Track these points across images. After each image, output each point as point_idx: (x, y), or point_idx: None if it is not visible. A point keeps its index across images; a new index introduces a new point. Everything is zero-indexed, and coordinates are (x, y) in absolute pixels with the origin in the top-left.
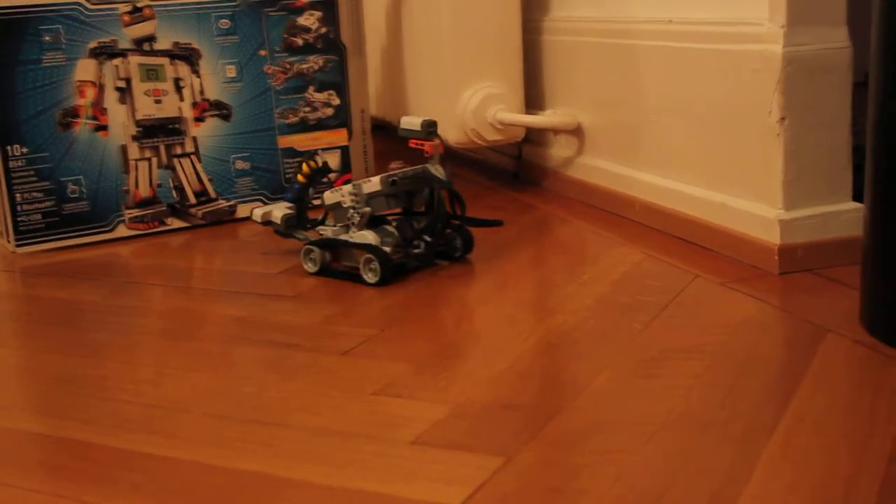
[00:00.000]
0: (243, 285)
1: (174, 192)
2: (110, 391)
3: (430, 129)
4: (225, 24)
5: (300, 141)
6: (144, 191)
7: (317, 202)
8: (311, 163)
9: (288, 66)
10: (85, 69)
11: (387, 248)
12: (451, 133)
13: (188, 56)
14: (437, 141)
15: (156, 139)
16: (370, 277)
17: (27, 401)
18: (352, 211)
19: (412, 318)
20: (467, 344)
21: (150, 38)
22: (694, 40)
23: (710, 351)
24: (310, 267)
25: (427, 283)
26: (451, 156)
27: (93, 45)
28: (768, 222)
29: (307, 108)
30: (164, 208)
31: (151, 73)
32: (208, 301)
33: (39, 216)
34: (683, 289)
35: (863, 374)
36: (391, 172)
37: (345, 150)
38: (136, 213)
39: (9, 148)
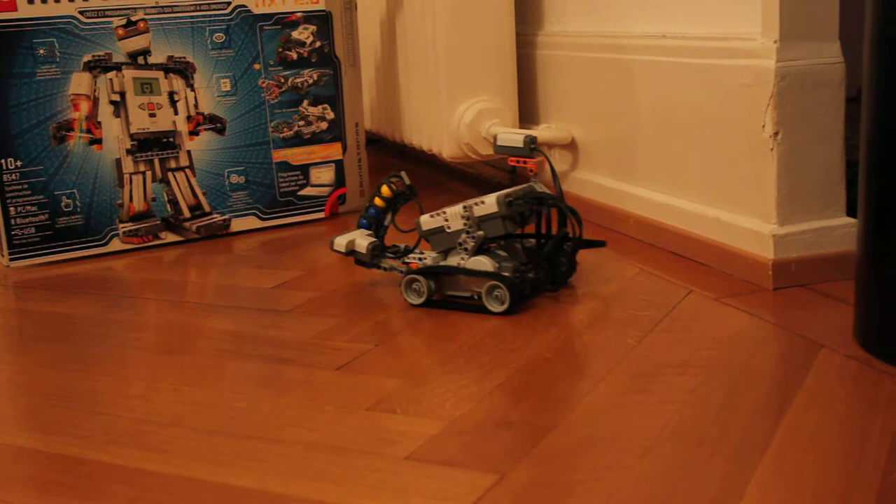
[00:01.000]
0: (237, 300)
1: (168, 206)
2: (103, 406)
3: (532, 145)
4: (219, 37)
5: (295, 155)
6: (139, 204)
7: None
8: (393, 185)
9: (282, 80)
10: (79, 82)
11: (506, 274)
12: (445, 147)
13: (183, 69)
14: (540, 157)
15: (150, 153)
16: (495, 306)
17: (19, 415)
18: (465, 235)
19: (406, 333)
20: (462, 359)
21: (145, 52)
22: (688, 55)
23: (703, 366)
24: (413, 299)
25: None
26: (444, 169)
27: (87, 58)
28: (762, 237)
29: (302, 122)
30: (159, 222)
31: (146, 87)
32: (202, 315)
33: (33, 230)
34: (677, 304)
35: (856, 390)
36: (504, 192)
37: (339, 164)
38: (130, 226)
39: (2, 161)
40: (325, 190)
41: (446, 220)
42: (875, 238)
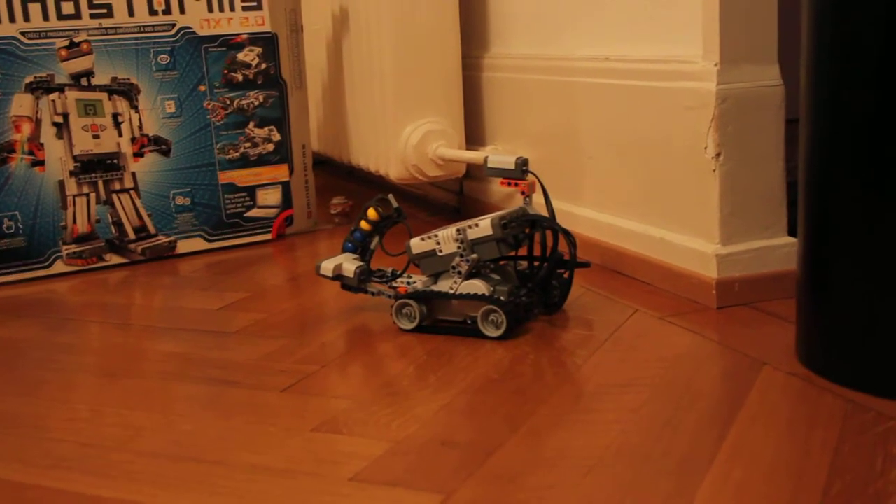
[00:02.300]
0: (183, 322)
1: (113, 228)
2: (46, 430)
3: (524, 167)
4: (164, 59)
5: (241, 177)
6: (82, 226)
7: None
8: (380, 208)
9: (228, 102)
10: (21, 104)
11: (502, 298)
12: (392, 168)
13: (127, 91)
14: (532, 179)
15: (94, 174)
16: (491, 331)
17: None
18: (458, 258)
19: (352, 354)
20: (407, 380)
21: (88, 73)
22: (630, 78)
23: (648, 385)
24: (405, 324)
25: (367, 318)
26: (392, 191)
27: (29, 79)
28: (706, 257)
29: (248, 144)
30: (103, 244)
31: (89, 108)
32: (147, 338)
33: None
34: (623, 323)
35: (799, 406)
36: (499, 214)
37: (286, 186)
38: (73, 248)
39: None
40: (272, 211)
41: (438, 244)
42: (814, 257)
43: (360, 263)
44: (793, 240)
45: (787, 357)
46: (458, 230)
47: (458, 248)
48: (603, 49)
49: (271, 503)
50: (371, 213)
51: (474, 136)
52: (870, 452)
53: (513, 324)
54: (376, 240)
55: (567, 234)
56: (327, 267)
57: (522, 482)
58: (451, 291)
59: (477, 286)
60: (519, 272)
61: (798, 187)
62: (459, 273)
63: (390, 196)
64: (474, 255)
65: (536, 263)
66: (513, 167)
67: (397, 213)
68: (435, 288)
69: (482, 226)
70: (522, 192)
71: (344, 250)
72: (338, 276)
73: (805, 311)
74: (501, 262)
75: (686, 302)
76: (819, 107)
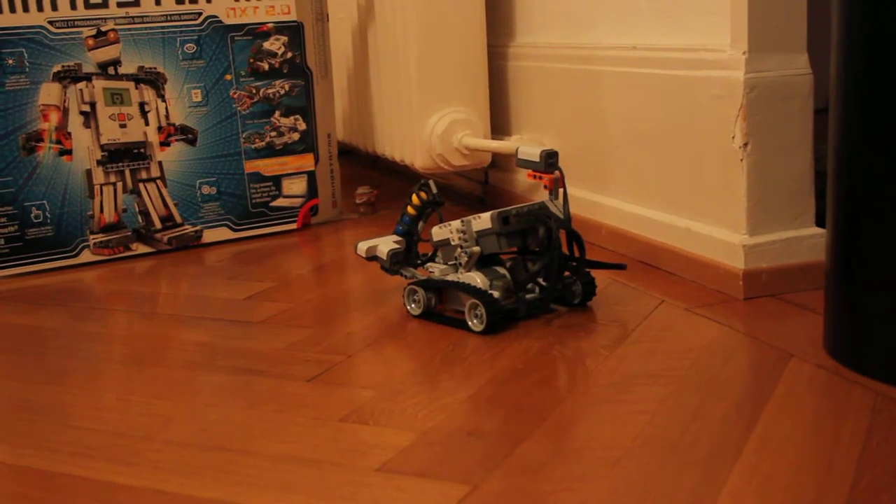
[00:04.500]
0: (209, 311)
1: (139, 217)
2: (73, 419)
3: (549, 160)
4: (190, 48)
5: (267, 166)
6: (109, 216)
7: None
8: (423, 193)
9: (254, 91)
10: (49, 93)
11: (495, 293)
12: (417, 158)
13: (153, 80)
14: (557, 173)
15: (121, 164)
16: (475, 325)
17: None
18: (459, 250)
19: (378, 344)
20: (433, 370)
21: (115, 62)
22: (657, 66)
23: (674, 376)
24: (413, 309)
25: (392, 307)
26: (417, 180)
27: (57, 68)
28: (732, 247)
29: (273, 133)
30: (130, 233)
31: (116, 97)
32: (173, 327)
33: (2, 241)
34: (649, 314)
35: (826, 399)
36: (504, 209)
37: (311, 175)
38: (100, 238)
39: None
40: (298, 201)
41: (451, 233)
42: (843, 248)
43: (396, 246)
44: (821, 230)
45: (815, 349)
46: (462, 221)
47: (460, 239)
48: (630, 38)
49: (297, 493)
50: (414, 198)
51: (500, 125)
52: None
53: (493, 320)
54: (420, 224)
55: (575, 234)
56: (362, 247)
57: (549, 473)
58: (447, 280)
59: (473, 279)
60: (531, 271)
61: (826, 177)
62: (460, 264)
63: (431, 182)
64: (476, 248)
65: (572, 262)
66: (538, 160)
67: (435, 198)
68: (438, 277)
69: (483, 218)
70: (545, 186)
71: (395, 233)
72: (372, 258)
73: (833, 303)
74: (524, 259)
75: (713, 293)
76: (849, 96)
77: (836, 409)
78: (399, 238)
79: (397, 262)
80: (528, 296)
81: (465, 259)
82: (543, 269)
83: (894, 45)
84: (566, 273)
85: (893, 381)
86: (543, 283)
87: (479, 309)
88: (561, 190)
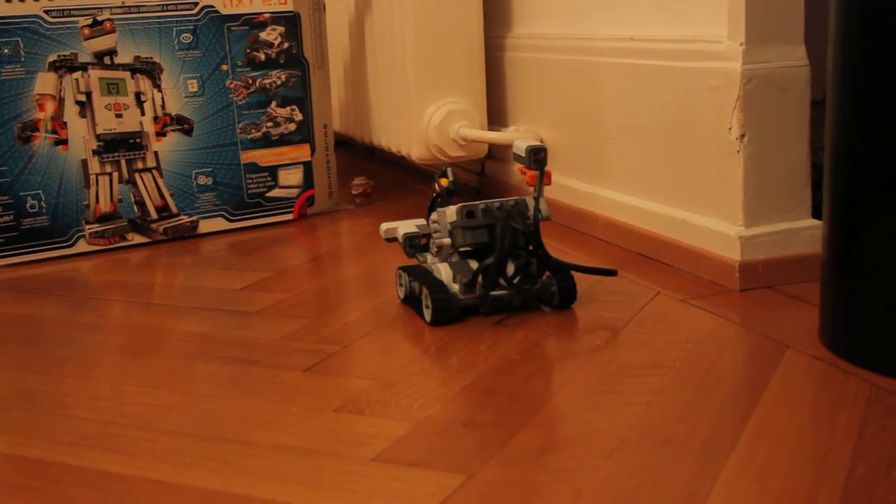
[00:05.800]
0: (205, 301)
1: (135, 208)
2: (69, 408)
3: (535, 156)
4: (187, 38)
5: (263, 156)
6: (105, 206)
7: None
8: (443, 180)
9: (250, 81)
10: (44, 82)
11: (455, 286)
12: (413, 149)
13: (149, 70)
14: (535, 172)
15: (117, 154)
16: (426, 315)
17: None
18: (432, 241)
19: (375, 334)
20: (429, 361)
21: (111, 52)
22: (654, 58)
23: (670, 367)
24: (399, 293)
25: (389, 297)
26: (413, 171)
27: (52, 58)
28: (729, 239)
29: (270, 124)
30: (125, 223)
31: (112, 87)
32: (169, 317)
33: None
34: (645, 305)
35: (822, 389)
36: (471, 203)
37: (307, 166)
38: (96, 228)
39: None
40: (294, 191)
41: (432, 223)
42: (839, 240)
43: (415, 230)
44: (817, 222)
45: (811, 340)
46: (438, 212)
47: (433, 229)
48: (627, 29)
49: (294, 483)
50: (436, 185)
51: (497, 116)
52: (894, 436)
53: (438, 314)
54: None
55: (535, 236)
56: (383, 228)
57: (544, 463)
58: (417, 268)
59: (439, 270)
60: (481, 267)
61: (823, 169)
62: (432, 254)
63: (449, 170)
64: (446, 240)
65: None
66: (523, 154)
67: (450, 187)
68: (428, 265)
69: (449, 212)
70: (528, 182)
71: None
72: (391, 239)
73: (829, 294)
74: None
75: (709, 284)
76: (846, 88)
77: (832, 400)
78: (420, 222)
79: (413, 246)
80: (494, 293)
81: (436, 250)
82: (484, 269)
83: (891, 36)
84: (546, 274)
85: (889, 372)
86: (503, 282)
87: (429, 300)
88: (541, 187)
